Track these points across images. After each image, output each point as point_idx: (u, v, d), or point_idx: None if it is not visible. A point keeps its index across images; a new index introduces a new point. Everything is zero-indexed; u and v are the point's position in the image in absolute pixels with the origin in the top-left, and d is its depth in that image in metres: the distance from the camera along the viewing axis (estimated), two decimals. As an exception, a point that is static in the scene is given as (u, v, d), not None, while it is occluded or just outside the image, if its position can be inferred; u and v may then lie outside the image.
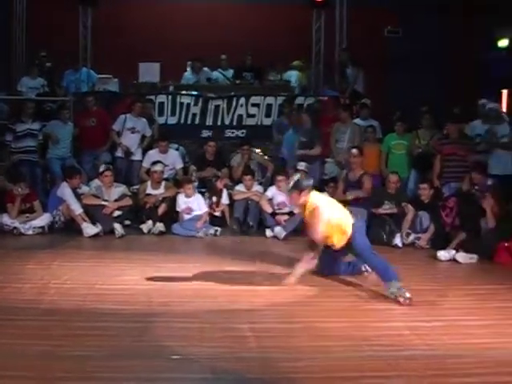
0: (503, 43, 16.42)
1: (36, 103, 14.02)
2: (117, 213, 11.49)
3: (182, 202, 11.62)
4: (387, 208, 11.18)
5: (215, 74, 16.22)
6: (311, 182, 8.12)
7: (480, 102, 12.99)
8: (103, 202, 11.48)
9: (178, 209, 11.63)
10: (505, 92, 16.25)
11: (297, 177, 7.98)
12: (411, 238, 10.78)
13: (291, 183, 7.90)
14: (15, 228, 11.10)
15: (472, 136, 12.49)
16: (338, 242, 7.79)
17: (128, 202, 11.72)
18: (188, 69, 16.15)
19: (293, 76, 16.28)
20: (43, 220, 11.31)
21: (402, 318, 6.69)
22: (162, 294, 7.36)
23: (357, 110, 14.42)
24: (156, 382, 5.02)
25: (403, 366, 5.37)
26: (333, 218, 7.69)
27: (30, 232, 11.12)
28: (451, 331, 6.28)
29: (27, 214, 11.31)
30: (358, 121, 13.86)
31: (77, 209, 11.21)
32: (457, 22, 16.66)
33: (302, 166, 12.22)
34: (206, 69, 16.03)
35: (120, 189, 11.90)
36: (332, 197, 11.61)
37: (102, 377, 5.02)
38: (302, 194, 7.79)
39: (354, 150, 11.83)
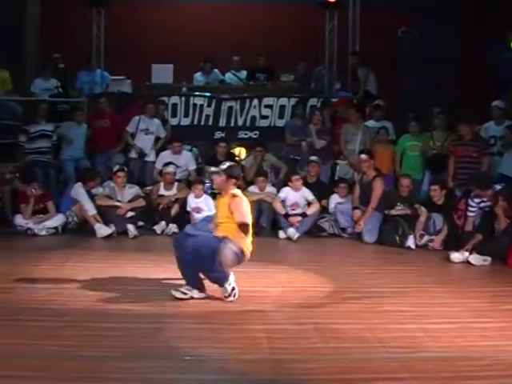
0: (516, 44, 16.37)
1: (49, 104, 14.09)
2: (130, 214, 11.50)
3: (192, 201, 11.62)
4: (400, 209, 11.15)
5: (228, 76, 16.24)
6: (240, 173, 8.22)
7: (493, 103, 12.94)
8: (117, 203, 11.50)
9: (188, 208, 11.63)
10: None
11: (231, 163, 7.97)
12: (424, 239, 10.75)
13: (225, 165, 7.75)
14: (29, 229, 11.16)
15: (486, 137, 12.47)
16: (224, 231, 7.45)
17: (141, 202, 11.73)
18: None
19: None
20: (56, 221, 11.35)
21: (416, 319, 6.66)
22: (174, 295, 7.36)
23: (370, 111, 14.40)
24: (169, 383, 5.03)
25: (417, 367, 5.35)
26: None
27: (44, 233, 11.16)
28: (464, 333, 6.26)
29: (41, 215, 11.35)
30: (371, 122, 13.83)
31: (90, 209, 11.23)
32: (470, 23, 16.60)
33: (314, 157, 12.37)
34: (216, 70, 16.05)
35: (133, 190, 11.91)
36: (343, 197, 11.74)
37: (116, 378, 5.03)
38: (229, 181, 7.58)
39: (363, 156, 11.75)
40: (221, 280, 7.23)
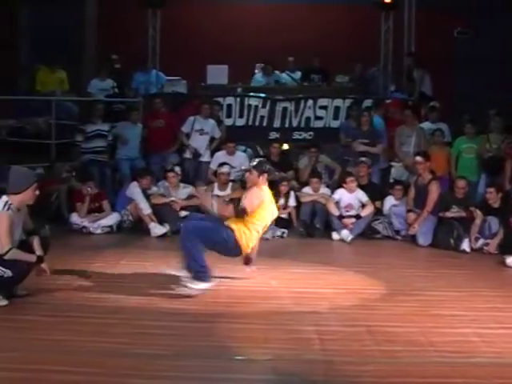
0: None
1: (105, 104, 14.25)
2: (184, 213, 11.56)
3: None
4: (455, 211, 11.03)
5: (283, 77, 16.25)
6: (271, 170, 8.27)
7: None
8: (172, 198, 11.61)
9: (241, 208, 11.64)
10: None
11: (263, 159, 8.13)
12: (479, 243, 10.60)
13: (254, 162, 8.03)
14: (84, 227, 11.31)
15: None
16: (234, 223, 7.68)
17: (195, 202, 11.82)
18: (256, 71, 16.22)
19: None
20: (111, 219, 11.48)
21: (469, 324, 6.58)
22: (227, 295, 7.39)
23: (425, 112, 14.28)
24: (220, 383, 5.05)
25: (471, 373, 5.29)
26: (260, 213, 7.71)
27: (99, 231, 11.31)
28: (519, 339, 6.17)
29: (96, 214, 11.49)
30: (426, 124, 13.71)
31: (145, 208, 11.33)
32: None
33: (363, 158, 12.39)
34: (277, 72, 16.08)
35: (187, 189, 12.00)
36: (398, 199, 11.62)
37: (167, 376, 5.07)
38: (262, 177, 7.79)
39: (418, 158, 11.56)
40: (197, 274, 7.41)
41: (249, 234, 7.65)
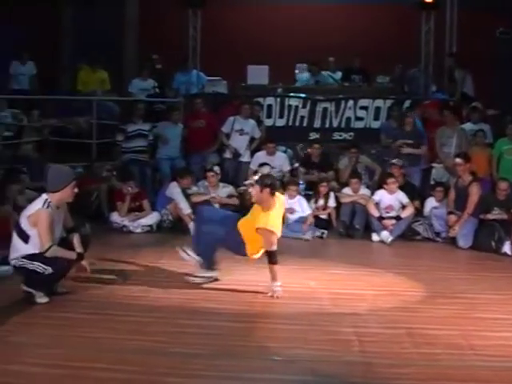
0: None
1: (146, 104, 14.32)
2: (224, 212, 11.60)
3: (286, 202, 11.55)
4: (496, 213, 10.89)
5: (327, 77, 16.21)
6: (276, 183, 8.15)
7: None
8: (212, 194, 11.65)
9: (281, 209, 11.61)
10: None
11: (265, 171, 8.01)
12: (521, 246, 10.48)
13: (257, 176, 7.98)
14: (124, 226, 11.38)
15: None
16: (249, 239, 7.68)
17: (235, 201, 11.82)
18: (297, 71, 16.18)
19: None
20: (151, 219, 11.53)
21: (511, 327, 6.51)
22: (265, 295, 7.37)
23: (467, 113, 14.14)
24: (258, 383, 5.05)
25: (511, 377, 5.23)
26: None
27: (139, 230, 11.37)
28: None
29: (136, 213, 11.55)
30: (468, 125, 13.57)
31: (185, 208, 11.36)
32: None
33: (394, 160, 12.28)
34: (323, 72, 16.04)
35: (227, 189, 12.01)
36: (439, 201, 11.50)
37: (204, 375, 5.08)
38: (265, 191, 7.57)
39: (458, 159, 11.41)
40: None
41: (259, 247, 7.73)
